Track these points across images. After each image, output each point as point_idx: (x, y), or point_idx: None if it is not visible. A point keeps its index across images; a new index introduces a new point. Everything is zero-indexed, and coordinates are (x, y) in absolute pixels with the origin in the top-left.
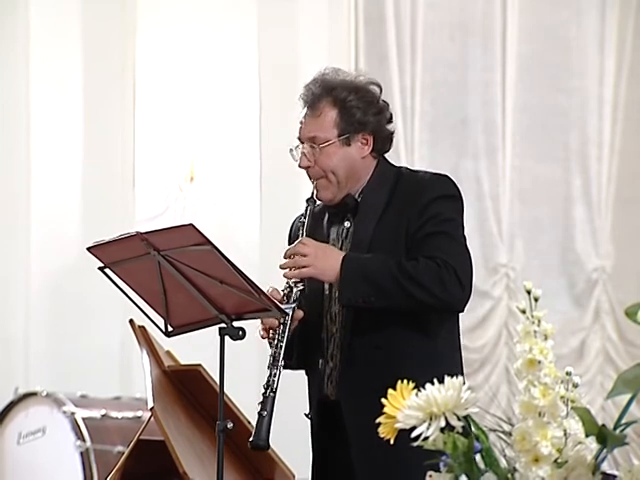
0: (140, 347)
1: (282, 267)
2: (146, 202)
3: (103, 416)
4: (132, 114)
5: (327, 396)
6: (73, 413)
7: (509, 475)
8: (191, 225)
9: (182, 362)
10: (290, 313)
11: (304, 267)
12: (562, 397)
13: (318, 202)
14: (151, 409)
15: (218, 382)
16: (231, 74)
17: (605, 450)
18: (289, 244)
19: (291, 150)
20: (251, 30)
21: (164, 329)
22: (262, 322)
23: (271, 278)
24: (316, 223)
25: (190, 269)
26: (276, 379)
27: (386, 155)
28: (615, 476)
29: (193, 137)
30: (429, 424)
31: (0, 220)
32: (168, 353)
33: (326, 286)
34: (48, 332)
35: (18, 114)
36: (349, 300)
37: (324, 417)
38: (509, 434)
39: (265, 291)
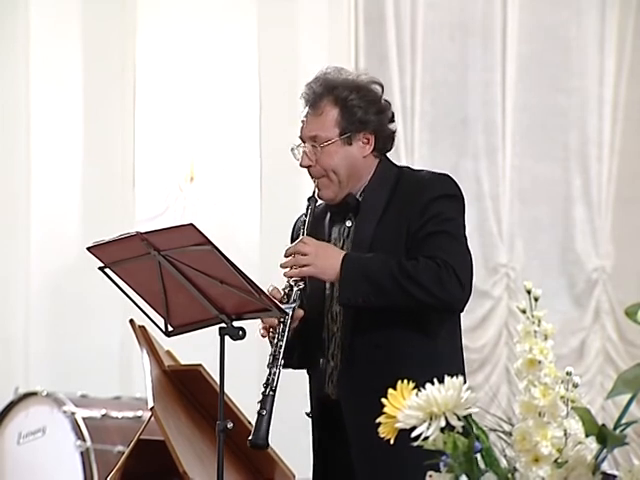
0: (140, 347)
1: (282, 266)
2: (146, 202)
3: (103, 416)
4: (132, 114)
5: (328, 395)
6: (73, 413)
7: (509, 475)
8: (191, 225)
9: (182, 362)
10: (290, 313)
11: (304, 266)
12: (562, 397)
13: (320, 201)
14: (151, 409)
15: (218, 382)
16: (231, 74)
17: (605, 450)
18: (291, 243)
19: (292, 149)
20: (251, 30)
21: (164, 329)
22: (262, 321)
23: (271, 278)
24: (318, 222)
25: (190, 269)
26: (276, 378)
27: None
28: (615, 476)
29: (193, 137)
30: (429, 424)
31: (0, 220)
32: (168, 353)
33: (327, 285)
34: (48, 332)
35: (18, 114)
36: (348, 299)
37: (325, 416)
38: (509, 434)
39: (265, 290)
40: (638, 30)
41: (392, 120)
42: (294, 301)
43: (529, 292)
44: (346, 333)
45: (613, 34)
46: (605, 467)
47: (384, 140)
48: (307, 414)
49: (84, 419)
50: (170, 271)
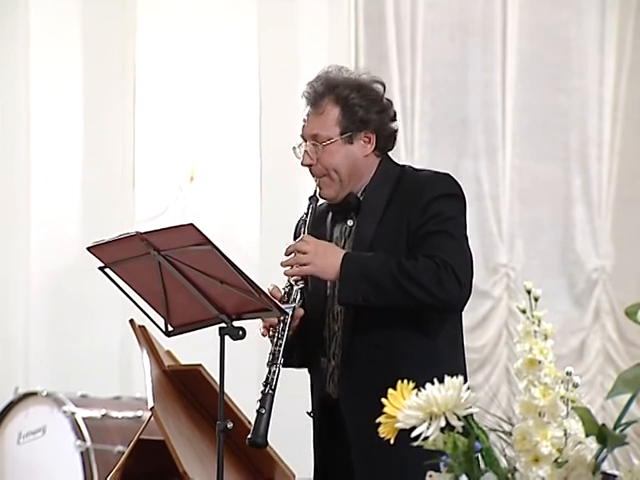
0: (140, 347)
1: (283, 264)
2: (146, 202)
3: (103, 416)
4: (132, 114)
5: (329, 395)
6: (73, 413)
7: (509, 475)
8: (191, 225)
9: (182, 362)
10: (290, 313)
11: (304, 265)
12: (562, 397)
13: (321, 200)
14: (151, 409)
15: (218, 382)
16: (231, 74)
17: (605, 450)
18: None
19: (294, 148)
20: (251, 30)
21: (164, 329)
22: (263, 320)
23: (271, 278)
24: (320, 222)
25: (190, 269)
26: (275, 377)
27: None
28: (615, 476)
29: (193, 137)
30: (429, 424)
31: (0, 220)
32: (168, 353)
33: (329, 284)
34: (48, 332)
35: (18, 114)
36: (348, 298)
37: (326, 416)
38: (509, 434)
39: (265, 290)
40: (638, 30)
41: (394, 119)
42: (294, 300)
43: (529, 292)
44: (346, 333)
45: (613, 34)
46: (605, 467)
47: (385, 139)
48: (308, 413)
49: (84, 419)
50: (170, 271)
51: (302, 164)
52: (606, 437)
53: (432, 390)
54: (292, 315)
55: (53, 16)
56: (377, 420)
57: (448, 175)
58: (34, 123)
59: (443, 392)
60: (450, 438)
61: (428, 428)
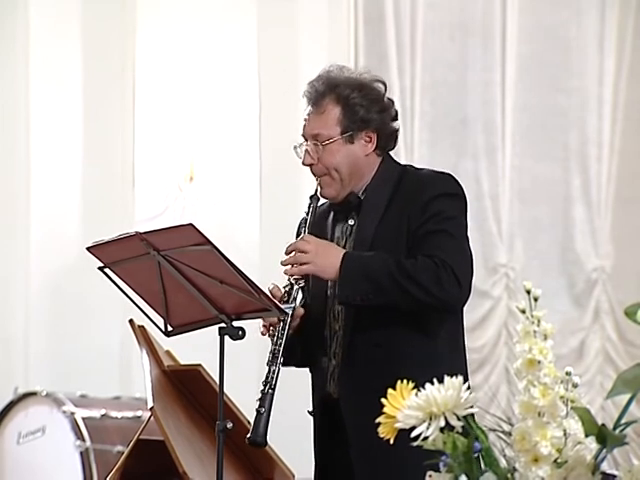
0: (140, 347)
1: (283, 263)
2: (146, 202)
3: (103, 416)
4: (132, 114)
5: (330, 394)
6: (73, 413)
7: (509, 475)
8: (191, 225)
9: (182, 362)
10: (290, 313)
11: (304, 264)
12: (562, 397)
13: (322, 200)
14: (151, 409)
15: (218, 382)
16: (231, 74)
17: (605, 450)
18: None
19: (295, 147)
20: (251, 30)
21: (164, 329)
22: (263, 319)
23: (271, 278)
24: (321, 221)
25: (190, 269)
26: (275, 376)
27: None
28: (615, 476)
29: (193, 137)
30: (429, 424)
31: (0, 220)
32: (168, 353)
33: (329, 284)
34: (48, 332)
35: (18, 114)
36: (347, 297)
37: (326, 415)
38: (509, 434)
39: (265, 290)
40: (638, 30)
41: (395, 118)
42: (294, 299)
43: (529, 292)
44: (347, 332)
45: (613, 34)
46: (605, 467)
47: (386, 138)
48: (309, 412)
49: (84, 419)
50: (170, 271)
51: (303, 163)
52: (606, 437)
53: (432, 390)
54: (292, 314)
55: (53, 16)
56: (377, 420)
57: (449, 175)
58: (34, 123)
59: (443, 392)
60: (450, 438)
61: (428, 428)
